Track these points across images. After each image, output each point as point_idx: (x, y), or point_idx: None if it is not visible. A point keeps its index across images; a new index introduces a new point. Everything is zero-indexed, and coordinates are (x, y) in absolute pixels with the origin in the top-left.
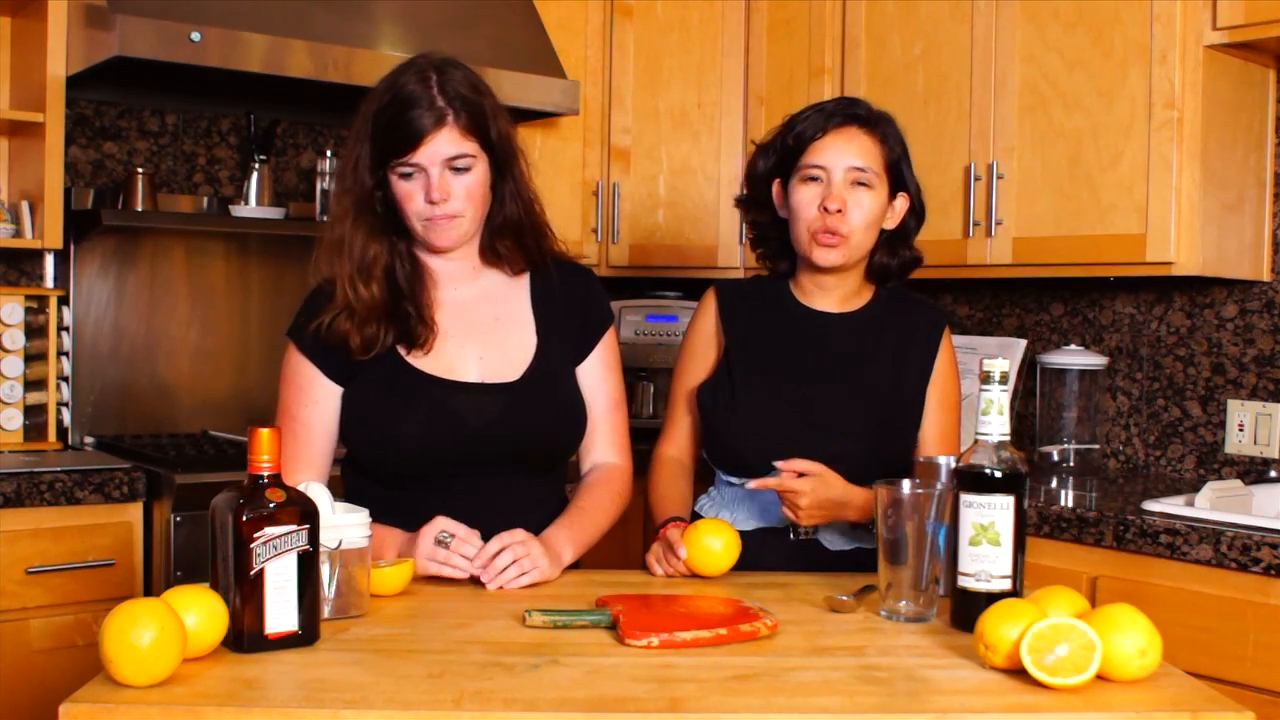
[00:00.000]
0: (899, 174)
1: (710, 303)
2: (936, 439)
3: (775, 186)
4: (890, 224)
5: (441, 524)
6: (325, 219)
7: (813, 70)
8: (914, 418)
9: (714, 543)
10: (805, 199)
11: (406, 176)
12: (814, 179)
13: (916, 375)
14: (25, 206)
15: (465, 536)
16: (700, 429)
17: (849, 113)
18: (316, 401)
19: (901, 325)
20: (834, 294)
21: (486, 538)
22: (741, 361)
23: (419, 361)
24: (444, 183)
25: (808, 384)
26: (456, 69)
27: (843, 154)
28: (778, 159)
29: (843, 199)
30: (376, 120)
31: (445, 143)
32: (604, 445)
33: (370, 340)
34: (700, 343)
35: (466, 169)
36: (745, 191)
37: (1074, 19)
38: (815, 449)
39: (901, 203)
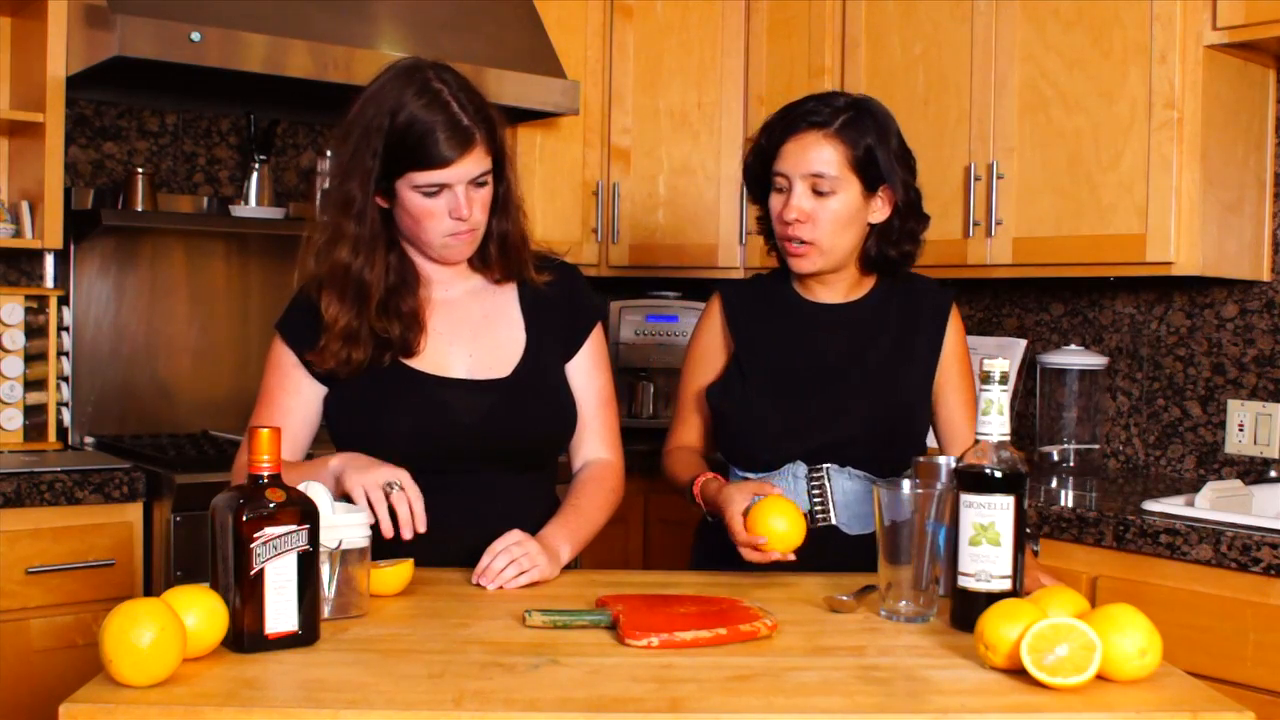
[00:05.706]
0: (871, 168)
1: (715, 307)
2: (962, 416)
3: None
4: (876, 218)
5: (402, 476)
6: (317, 221)
7: (813, 70)
8: (925, 402)
9: (779, 523)
10: (773, 208)
11: (431, 194)
12: (779, 189)
13: (925, 357)
14: (25, 206)
15: (414, 498)
16: (710, 426)
17: (811, 119)
18: (300, 392)
19: (906, 309)
20: (833, 288)
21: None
22: (751, 361)
23: (409, 359)
24: (470, 200)
25: (817, 376)
26: (457, 76)
27: (800, 162)
28: (760, 159)
29: (802, 209)
30: (393, 137)
31: (473, 163)
32: (595, 441)
33: (362, 361)
34: (708, 346)
35: (485, 184)
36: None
37: (1074, 19)
38: (827, 438)
39: (884, 195)
